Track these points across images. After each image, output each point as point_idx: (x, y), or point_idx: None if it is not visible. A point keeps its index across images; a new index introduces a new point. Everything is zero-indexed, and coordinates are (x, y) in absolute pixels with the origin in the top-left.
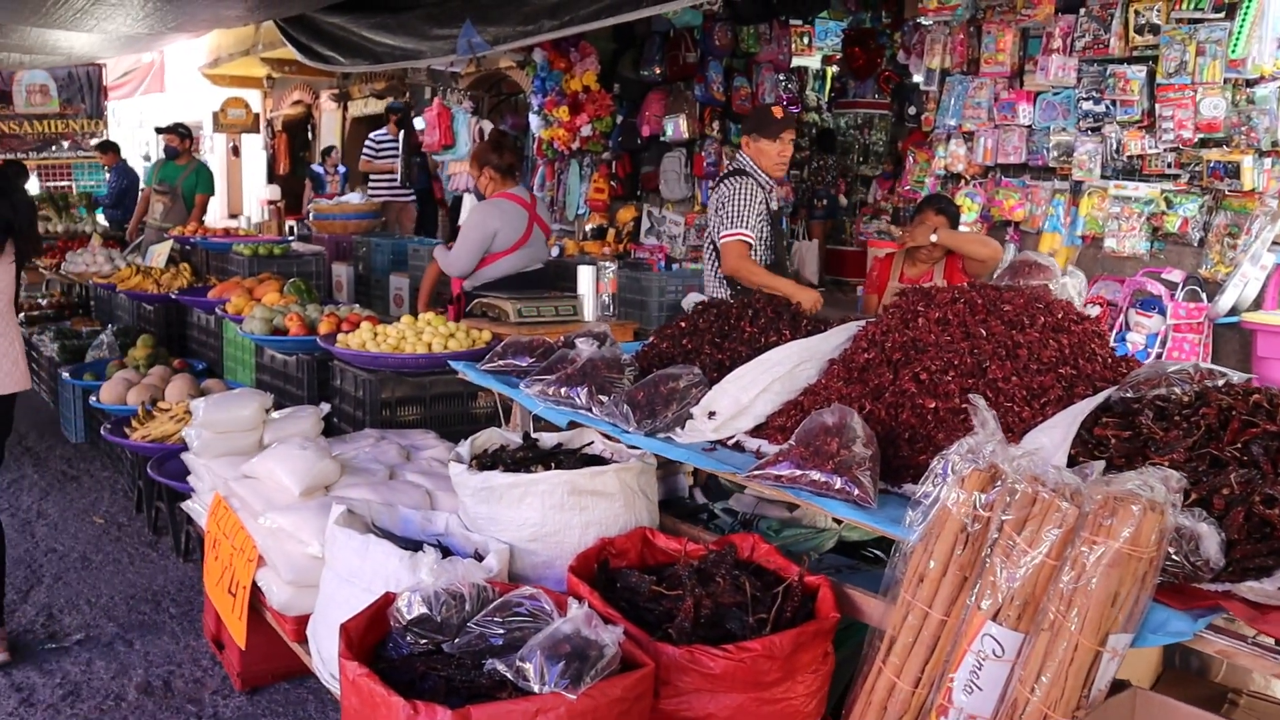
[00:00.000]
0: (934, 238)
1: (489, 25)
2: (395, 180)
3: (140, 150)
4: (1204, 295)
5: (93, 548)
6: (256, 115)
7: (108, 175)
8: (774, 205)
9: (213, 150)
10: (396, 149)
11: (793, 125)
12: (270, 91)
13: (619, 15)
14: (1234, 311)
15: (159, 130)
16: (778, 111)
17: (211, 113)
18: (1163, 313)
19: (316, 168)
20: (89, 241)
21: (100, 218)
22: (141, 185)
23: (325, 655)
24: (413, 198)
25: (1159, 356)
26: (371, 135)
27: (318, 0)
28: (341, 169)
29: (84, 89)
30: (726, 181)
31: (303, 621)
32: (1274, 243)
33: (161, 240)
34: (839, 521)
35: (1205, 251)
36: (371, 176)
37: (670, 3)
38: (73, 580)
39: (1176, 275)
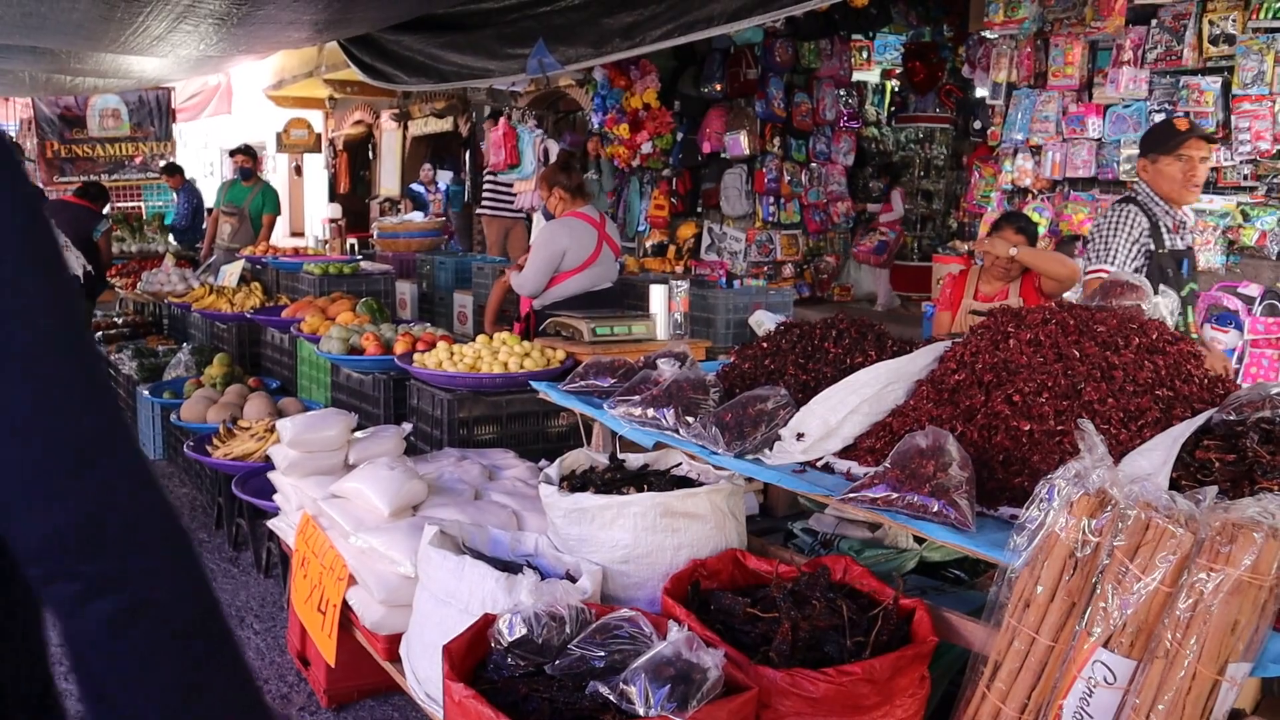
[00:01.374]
0: (1014, 252)
1: (561, 45)
2: (512, 196)
3: (204, 170)
4: None
5: None
6: (318, 135)
7: (175, 197)
8: (1173, 242)
9: (275, 170)
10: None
11: (1201, 137)
12: (332, 112)
13: (690, 34)
14: None
15: (231, 153)
16: (1181, 124)
17: (275, 133)
18: (1240, 328)
19: (416, 187)
20: (162, 261)
21: (171, 238)
22: (209, 206)
23: (420, 675)
24: (525, 216)
25: (1236, 373)
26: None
27: (383, 20)
28: (441, 186)
29: (154, 112)
30: (1110, 209)
31: (394, 640)
32: None
33: (232, 260)
34: (920, 541)
35: None
36: (488, 191)
37: (738, 22)
38: None
39: (1254, 289)
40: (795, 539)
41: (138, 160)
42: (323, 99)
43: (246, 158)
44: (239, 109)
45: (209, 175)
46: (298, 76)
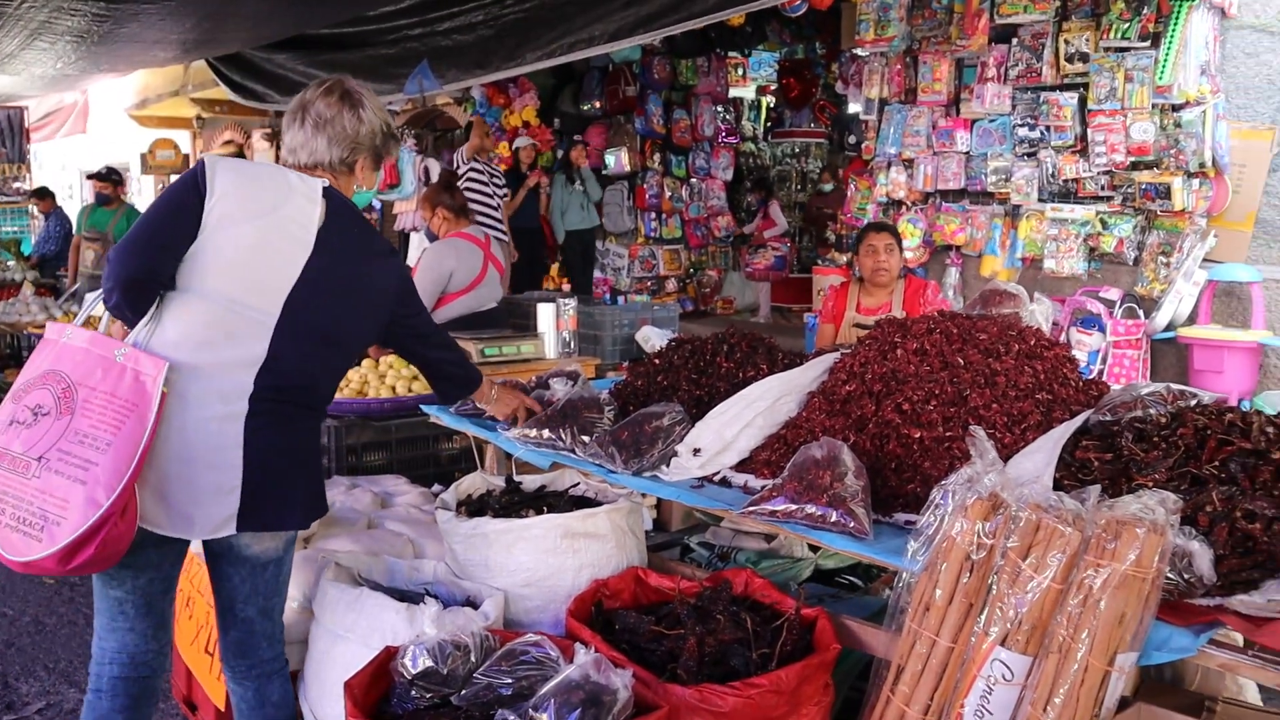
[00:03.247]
0: None
1: (444, 65)
2: (498, 215)
3: (65, 193)
4: (1141, 312)
5: (45, 610)
6: (186, 156)
7: (46, 222)
8: None
9: (140, 193)
10: (491, 174)
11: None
12: (200, 132)
13: (572, 54)
14: (1170, 327)
15: (90, 176)
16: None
17: (140, 154)
18: (1103, 330)
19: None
20: (19, 290)
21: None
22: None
23: (320, 714)
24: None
25: (1100, 374)
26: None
27: (255, 39)
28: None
29: (5, 132)
30: None
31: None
32: (1205, 260)
33: (98, 288)
34: (815, 550)
35: (1140, 270)
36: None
37: (619, 42)
38: (26, 645)
39: (1114, 294)
40: (692, 553)
41: None
42: (190, 118)
43: (105, 184)
44: (98, 129)
45: (69, 198)
46: (162, 95)
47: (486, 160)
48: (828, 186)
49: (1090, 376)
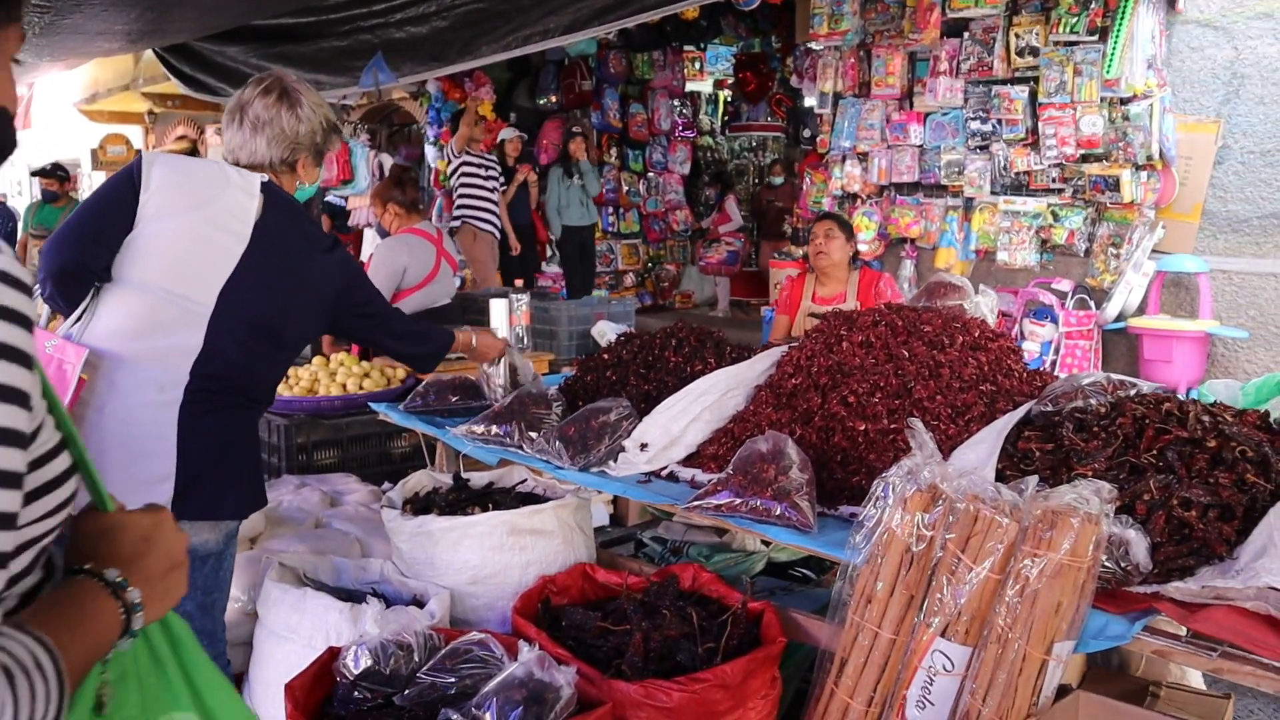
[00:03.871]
0: None
1: (397, 58)
2: (495, 209)
3: (13, 190)
4: (1092, 303)
5: None
6: (139, 151)
7: None
8: None
9: (92, 189)
10: (485, 166)
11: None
12: (153, 127)
13: (526, 47)
14: (1121, 317)
15: (35, 173)
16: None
17: (90, 150)
18: (1055, 321)
19: (335, 199)
20: None
21: None
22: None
23: (264, 716)
24: (497, 232)
25: (1053, 364)
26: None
27: (202, 29)
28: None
29: None
30: None
31: (234, 682)
32: (1153, 251)
33: None
34: (768, 543)
35: (1091, 261)
36: (463, 199)
37: (573, 35)
38: None
39: (1066, 285)
40: (646, 548)
41: None
42: (142, 113)
43: (51, 180)
44: (45, 124)
45: (18, 195)
46: (113, 90)
47: (479, 151)
48: (778, 180)
49: (1042, 367)
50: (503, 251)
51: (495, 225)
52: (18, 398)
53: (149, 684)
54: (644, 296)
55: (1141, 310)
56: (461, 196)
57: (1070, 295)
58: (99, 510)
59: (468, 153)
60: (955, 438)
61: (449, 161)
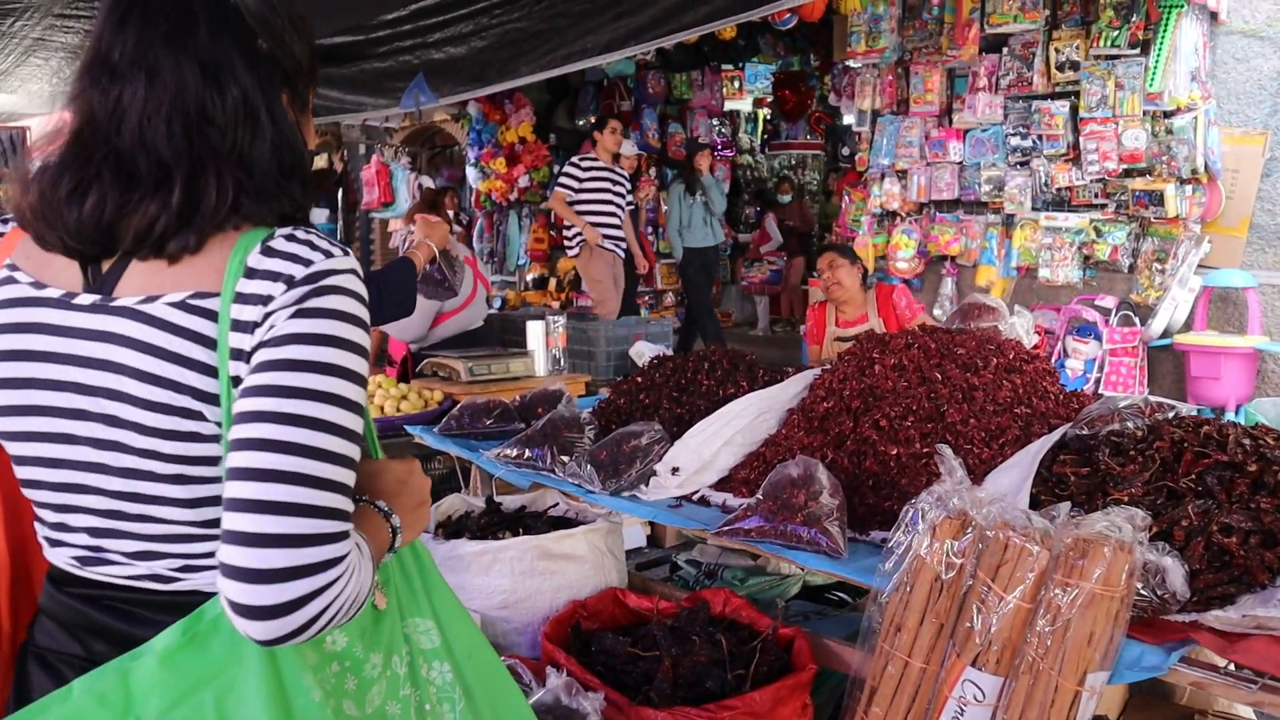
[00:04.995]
0: None
1: (437, 78)
2: (621, 229)
3: None
4: (1137, 319)
5: None
6: None
7: None
8: None
9: None
10: (615, 181)
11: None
12: None
13: (565, 66)
14: (1166, 334)
15: None
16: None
17: None
18: (1099, 338)
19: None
20: None
21: None
22: None
23: None
24: (621, 251)
25: (1097, 381)
26: (575, 159)
27: None
28: (315, 224)
29: (7, 153)
30: None
31: None
32: (1200, 266)
33: None
34: (803, 567)
35: (1135, 277)
36: (585, 215)
37: (610, 54)
38: None
39: (1110, 301)
40: (681, 570)
41: None
42: None
43: None
44: None
45: None
46: None
47: (608, 163)
48: (785, 198)
49: (1086, 384)
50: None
51: (619, 243)
52: (361, 379)
53: (402, 592)
54: (683, 315)
55: (1188, 326)
56: (584, 212)
57: (1114, 312)
58: (370, 457)
59: (597, 164)
60: (989, 462)
61: (576, 172)
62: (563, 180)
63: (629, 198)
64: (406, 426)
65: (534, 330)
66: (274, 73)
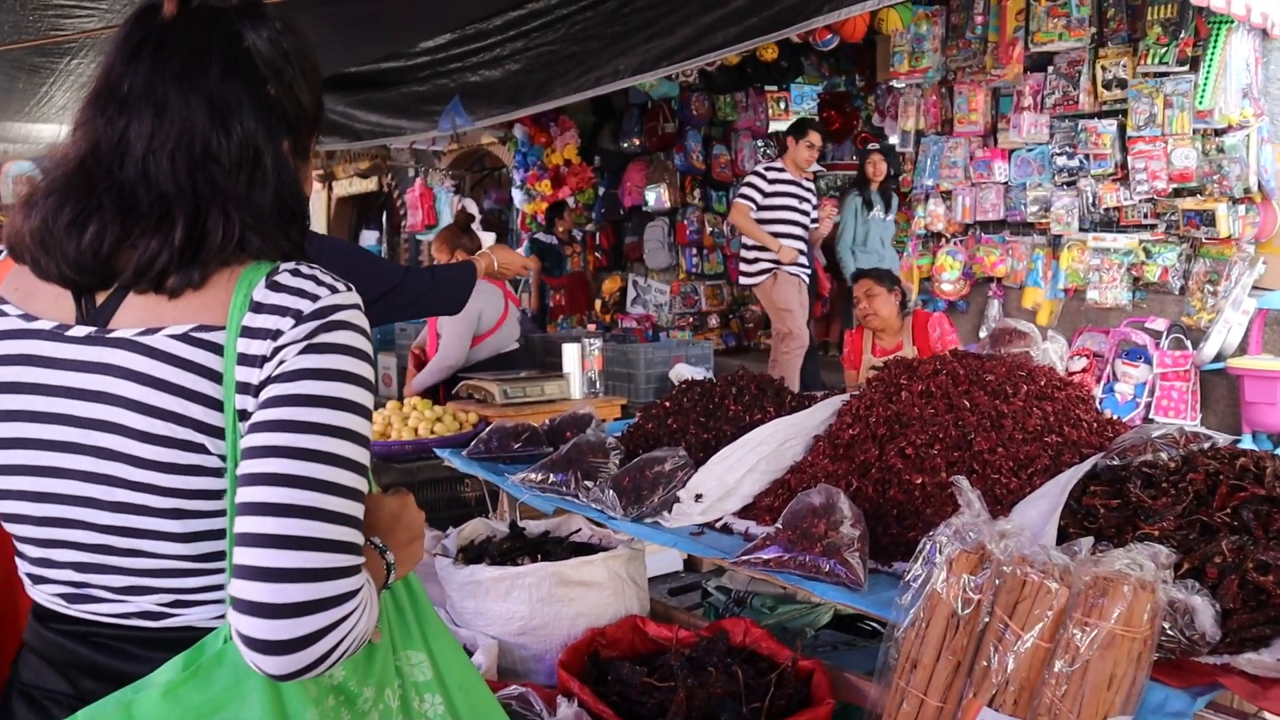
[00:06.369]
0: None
1: (474, 101)
2: (804, 246)
3: None
4: (1189, 343)
5: None
6: None
7: None
8: None
9: None
10: (802, 197)
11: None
12: None
13: (598, 88)
14: (1219, 358)
15: None
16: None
17: None
18: (1149, 362)
19: (545, 237)
20: None
21: None
22: None
23: None
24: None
25: (1147, 406)
26: (760, 169)
27: None
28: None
29: None
30: None
31: None
32: (1254, 287)
33: None
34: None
35: (1187, 299)
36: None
37: (642, 75)
38: None
39: (1160, 324)
40: (710, 597)
41: None
42: None
43: None
44: None
45: None
46: None
47: (796, 173)
48: None
49: (1136, 409)
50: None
51: (806, 268)
52: (369, 413)
53: (394, 624)
54: (728, 338)
55: (1242, 350)
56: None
57: (1165, 335)
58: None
59: (784, 176)
60: (1017, 492)
61: (759, 179)
62: (746, 192)
63: (814, 214)
64: (436, 450)
65: (570, 353)
66: (280, 118)
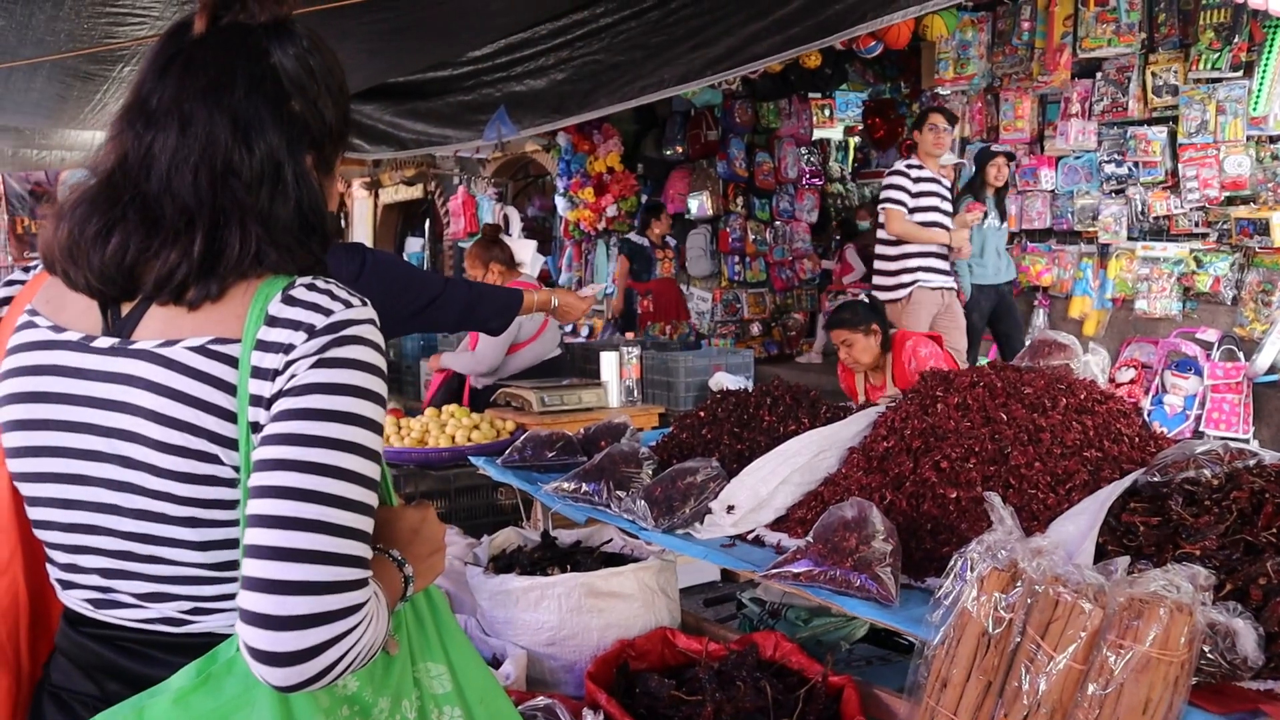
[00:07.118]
0: None
1: (519, 110)
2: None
3: None
4: (1241, 354)
5: None
6: None
7: None
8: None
9: None
10: (943, 195)
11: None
12: None
13: (642, 97)
14: (1273, 370)
15: None
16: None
17: None
18: (1199, 374)
19: (638, 239)
20: None
21: None
22: None
23: None
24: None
25: (1198, 419)
26: (902, 165)
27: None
28: (410, 252)
29: None
30: None
31: None
32: None
33: None
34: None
35: (1239, 309)
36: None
37: (686, 84)
38: None
39: (1212, 335)
40: (745, 608)
41: None
42: None
43: None
44: None
45: None
46: None
47: (935, 170)
48: (864, 224)
49: (1186, 422)
50: None
51: (949, 276)
52: (380, 428)
53: (414, 635)
54: (770, 346)
55: None
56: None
57: (1216, 346)
58: (385, 504)
59: (925, 173)
60: (1054, 508)
61: (898, 174)
62: (892, 195)
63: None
64: (470, 457)
65: (608, 361)
66: (303, 134)
